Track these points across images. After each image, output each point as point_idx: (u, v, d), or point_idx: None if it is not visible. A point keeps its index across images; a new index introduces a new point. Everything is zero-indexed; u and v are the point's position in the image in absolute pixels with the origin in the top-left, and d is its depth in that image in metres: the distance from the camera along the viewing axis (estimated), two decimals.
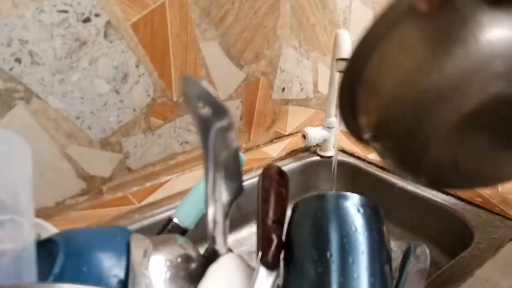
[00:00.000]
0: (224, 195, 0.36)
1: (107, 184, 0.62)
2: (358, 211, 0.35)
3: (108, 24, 0.54)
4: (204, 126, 0.34)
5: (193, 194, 0.47)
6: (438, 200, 0.68)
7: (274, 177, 0.39)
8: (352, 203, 0.36)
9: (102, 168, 0.61)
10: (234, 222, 0.72)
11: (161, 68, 0.62)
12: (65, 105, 0.54)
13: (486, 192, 0.67)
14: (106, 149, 0.60)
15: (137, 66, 0.59)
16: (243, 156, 0.50)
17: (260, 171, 0.74)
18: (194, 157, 0.72)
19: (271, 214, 0.37)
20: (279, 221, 0.37)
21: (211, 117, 0.33)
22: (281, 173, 0.40)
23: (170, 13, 0.59)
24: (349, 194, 0.36)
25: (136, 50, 0.58)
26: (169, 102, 0.65)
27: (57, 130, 0.55)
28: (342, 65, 0.60)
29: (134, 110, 0.61)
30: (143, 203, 0.62)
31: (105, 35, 0.55)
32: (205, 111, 0.33)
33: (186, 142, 0.70)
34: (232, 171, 0.35)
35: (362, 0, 0.89)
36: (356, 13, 0.88)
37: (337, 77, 0.74)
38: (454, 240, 0.64)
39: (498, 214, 0.63)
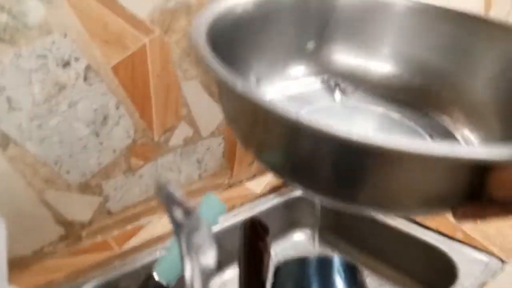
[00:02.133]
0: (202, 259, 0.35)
1: (86, 228, 0.60)
2: (339, 273, 0.37)
3: (88, 68, 0.54)
4: (176, 227, 0.35)
5: (174, 248, 0.46)
6: (420, 236, 0.68)
7: (255, 233, 0.39)
8: (334, 265, 0.37)
9: (81, 212, 0.59)
10: (219, 263, 0.71)
11: (142, 109, 0.61)
12: (43, 150, 0.53)
13: (466, 226, 0.68)
14: (85, 192, 0.59)
15: (117, 108, 0.59)
16: (223, 206, 0.49)
17: (243, 209, 0.74)
18: None
19: (253, 275, 0.37)
20: (261, 282, 0.37)
21: (181, 219, 0.34)
22: (262, 227, 0.40)
23: (151, 55, 0.60)
24: (329, 257, 0.38)
25: (116, 92, 0.58)
26: (150, 142, 0.64)
27: (34, 175, 0.53)
28: None
29: (114, 151, 0.60)
30: (124, 248, 0.60)
31: (85, 79, 0.54)
32: (176, 213, 0.34)
33: None
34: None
35: None
36: None
37: None
38: (439, 278, 0.64)
39: (480, 249, 0.64)
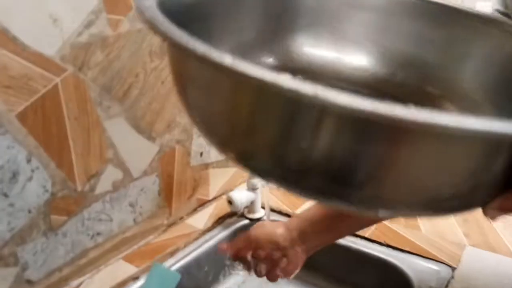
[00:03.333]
0: None
1: None
2: None
3: None
4: None
5: None
6: (370, 251, 0.67)
7: None
8: None
9: None
10: None
11: (59, 157, 0.53)
12: None
13: (410, 237, 0.69)
14: None
15: (28, 161, 0.50)
16: (175, 276, 0.43)
17: (187, 251, 0.68)
18: (109, 249, 0.63)
19: None
20: None
21: None
22: None
23: (65, 96, 0.52)
24: None
25: (26, 143, 0.49)
26: (73, 193, 0.56)
27: None
28: None
29: (30, 211, 0.51)
30: None
31: None
32: None
33: (98, 234, 0.61)
34: None
35: None
36: None
37: None
38: None
39: (430, 258, 0.65)
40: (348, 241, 0.69)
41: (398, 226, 0.72)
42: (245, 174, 0.89)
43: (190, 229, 0.72)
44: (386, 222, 0.72)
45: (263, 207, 0.78)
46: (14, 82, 0.46)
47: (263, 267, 0.54)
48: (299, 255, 0.54)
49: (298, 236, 0.54)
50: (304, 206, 0.79)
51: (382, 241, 0.68)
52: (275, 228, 0.55)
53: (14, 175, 0.49)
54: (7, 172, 0.48)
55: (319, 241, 0.55)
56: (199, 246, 0.69)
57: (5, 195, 0.48)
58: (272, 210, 0.78)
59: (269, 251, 0.54)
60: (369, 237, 0.69)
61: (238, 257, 0.56)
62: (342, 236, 0.60)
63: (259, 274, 0.55)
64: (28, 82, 0.48)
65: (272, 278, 0.55)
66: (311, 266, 0.73)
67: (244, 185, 0.78)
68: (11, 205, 0.49)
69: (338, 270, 0.71)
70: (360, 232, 0.70)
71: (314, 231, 0.54)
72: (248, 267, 0.56)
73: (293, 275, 0.56)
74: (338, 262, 0.71)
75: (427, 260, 0.65)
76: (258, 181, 0.75)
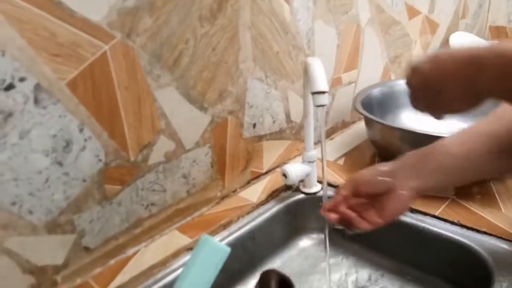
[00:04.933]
0: None
1: (61, 272, 0.52)
2: None
3: (37, 87, 0.45)
4: None
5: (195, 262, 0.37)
6: (441, 231, 0.61)
7: None
8: None
9: (53, 255, 0.51)
10: (219, 287, 0.63)
11: (111, 127, 0.53)
12: None
13: (488, 217, 0.61)
14: (54, 232, 0.50)
15: (81, 130, 0.50)
16: (224, 250, 0.41)
17: (240, 223, 0.66)
18: (163, 219, 0.63)
19: None
20: None
21: None
22: (284, 282, 0.32)
23: (114, 64, 0.51)
24: None
25: (77, 112, 0.49)
26: (126, 163, 0.56)
27: None
28: (320, 99, 0.53)
29: (84, 180, 0.52)
30: (109, 287, 0.52)
31: (36, 101, 0.45)
32: None
33: (152, 204, 0.61)
34: None
35: (325, 20, 0.83)
36: (319, 34, 0.83)
37: (312, 107, 0.67)
38: (469, 275, 0.57)
39: (510, 241, 0.57)
40: (414, 219, 0.64)
41: (473, 205, 0.64)
42: (300, 146, 0.86)
43: (243, 202, 0.70)
44: (460, 200, 0.65)
45: (319, 182, 0.74)
46: (63, 50, 0.46)
47: (367, 211, 0.50)
48: (406, 196, 0.49)
49: (410, 171, 0.49)
50: None
51: (455, 220, 0.61)
52: (380, 166, 0.51)
53: (68, 144, 0.49)
54: (60, 141, 0.48)
55: (437, 181, 0.50)
56: (253, 220, 0.67)
57: (60, 164, 0.49)
58: (329, 184, 0.74)
59: (371, 189, 0.50)
60: (439, 216, 0.63)
61: (338, 213, 0.51)
62: (464, 180, 0.55)
63: (358, 224, 0.50)
64: (77, 50, 0.47)
65: (372, 221, 0.50)
66: (374, 245, 0.69)
67: (299, 158, 0.74)
68: (66, 174, 0.50)
69: (404, 250, 0.66)
70: (428, 210, 0.64)
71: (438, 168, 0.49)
72: (348, 221, 0.51)
73: (395, 217, 0.50)
74: (403, 242, 0.65)
75: (508, 242, 0.57)
76: (314, 154, 0.71)
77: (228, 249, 0.40)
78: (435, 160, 0.50)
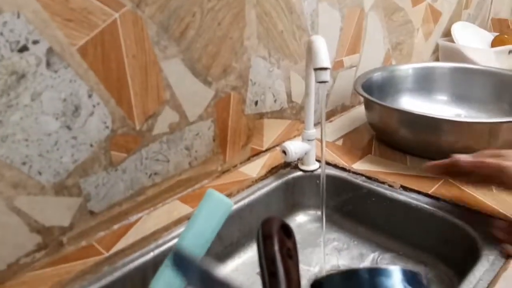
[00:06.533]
0: None
1: (67, 233, 0.54)
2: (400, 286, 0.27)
3: (50, 51, 0.46)
4: None
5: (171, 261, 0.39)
6: (432, 208, 0.63)
7: (278, 238, 0.32)
8: (394, 280, 0.28)
9: (60, 216, 0.53)
10: (217, 256, 0.66)
11: (119, 95, 0.54)
12: (6, 151, 0.46)
13: (480, 196, 0.64)
14: (62, 194, 0.52)
15: (90, 96, 0.51)
16: (228, 203, 0.43)
17: (240, 196, 0.68)
18: (165, 189, 0.64)
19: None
20: None
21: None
22: (285, 228, 0.33)
23: (123, 32, 0.52)
24: (387, 269, 0.28)
25: (86, 78, 0.50)
26: (132, 131, 0.57)
27: (0, 181, 0.46)
28: (322, 75, 0.55)
29: (91, 145, 0.53)
30: (112, 251, 0.54)
31: (48, 64, 0.47)
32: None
33: (156, 174, 0.62)
34: None
35: (329, 2, 0.84)
36: (323, 16, 0.84)
37: (314, 86, 0.68)
38: (458, 252, 0.60)
39: (500, 219, 0.60)
40: (408, 197, 0.66)
41: (465, 185, 0.67)
42: (300, 127, 0.87)
43: (243, 177, 0.72)
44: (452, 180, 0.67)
45: (318, 160, 0.76)
46: (75, 15, 0.47)
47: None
48: None
49: None
50: (359, 162, 0.76)
51: (447, 199, 0.64)
52: None
53: (77, 109, 0.51)
54: (69, 105, 0.50)
55: None
56: (252, 193, 0.69)
57: (68, 128, 0.50)
58: (327, 163, 0.76)
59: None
60: (433, 194, 0.65)
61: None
62: None
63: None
64: (88, 16, 0.48)
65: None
66: (368, 222, 0.71)
67: (299, 139, 0.76)
68: (74, 138, 0.51)
69: (397, 227, 0.68)
70: (422, 189, 0.66)
71: None
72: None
73: None
74: (396, 219, 0.68)
75: (496, 220, 0.59)
76: (314, 132, 0.72)
77: (232, 203, 0.42)
78: None
